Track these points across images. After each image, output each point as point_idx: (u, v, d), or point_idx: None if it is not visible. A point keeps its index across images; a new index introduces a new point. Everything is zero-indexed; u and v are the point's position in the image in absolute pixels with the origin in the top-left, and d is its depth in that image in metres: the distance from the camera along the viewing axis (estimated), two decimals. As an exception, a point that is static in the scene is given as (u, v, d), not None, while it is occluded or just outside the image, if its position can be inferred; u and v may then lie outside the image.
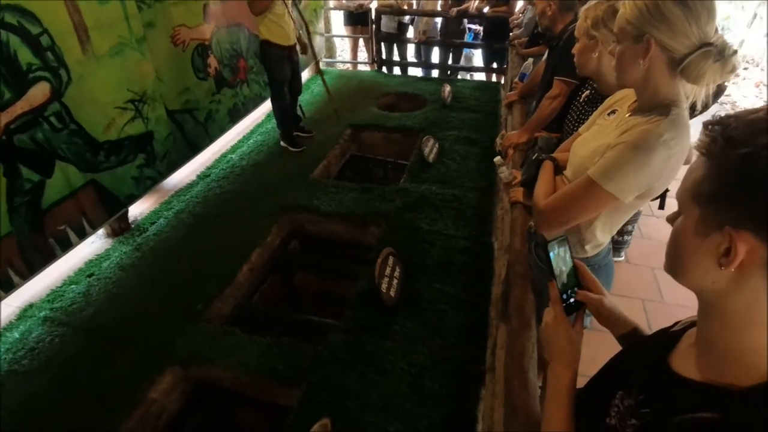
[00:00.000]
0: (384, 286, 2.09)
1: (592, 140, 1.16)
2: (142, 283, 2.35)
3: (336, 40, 5.91)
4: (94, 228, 2.41)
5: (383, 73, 5.47)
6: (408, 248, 2.45)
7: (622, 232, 2.61)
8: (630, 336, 0.88)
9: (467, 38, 5.48)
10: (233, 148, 3.62)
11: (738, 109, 0.53)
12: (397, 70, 5.79)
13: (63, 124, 2.11)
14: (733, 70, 0.87)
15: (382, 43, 5.50)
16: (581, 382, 0.84)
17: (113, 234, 2.66)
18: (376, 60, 5.54)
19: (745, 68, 6.66)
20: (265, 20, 3.07)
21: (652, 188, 1.03)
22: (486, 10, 5.08)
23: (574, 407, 0.73)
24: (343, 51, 6.86)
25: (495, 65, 5.40)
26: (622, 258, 2.87)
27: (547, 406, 0.77)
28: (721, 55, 0.87)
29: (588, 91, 1.59)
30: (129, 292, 2.29)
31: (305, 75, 4.88)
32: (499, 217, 2.49)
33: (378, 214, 2.77)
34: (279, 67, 3.26)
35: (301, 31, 3.41)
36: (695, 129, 0.77)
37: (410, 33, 5.61)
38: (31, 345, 2.01)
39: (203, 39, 3.02)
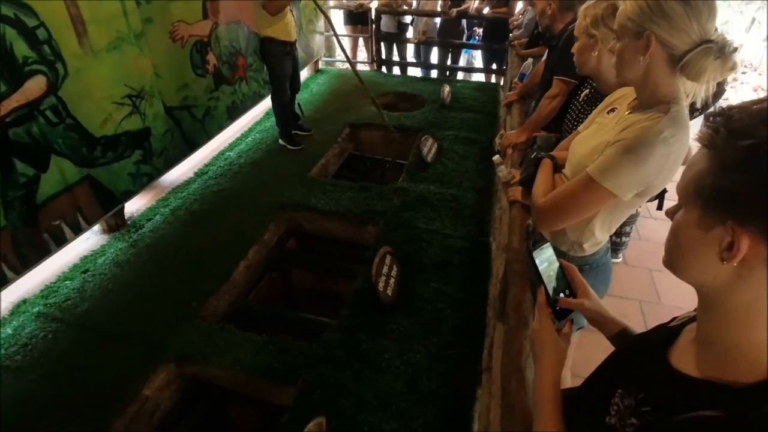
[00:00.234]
0: (381, 284, 2.08)
1: (592, 138, 1.16)
2: (137, 279, 2.33)
3: (335, 39, 5.89)
4: (90, 224, 2.39)
5: (382, 72, 5.47)
6: (405, 247, 2.44)
7: (620, 234, 2.61)
8: (620, 336, 0.88)
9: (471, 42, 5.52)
10: (231, 146, 3.61)
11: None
12: (396, 70, 5.78)
13: (59, 118, 2.09)
14: (734, 67, 0.87)
15: (382, 43, 5.49)
16: (578, 383, 0.84)
17: (109, 230, 2.64)
18: (375, 60, 5.54)
19: (743, 72, 6.68)
20: (267, 17, 3.08)
21: (651, 186, 1.02)
22: (486, 11, 5.08)
23: (561, 407, 0.75)
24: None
25: (494, 66, 5.40)
26: (620, 259, 2.86)
27: (535, 408, 0.79)
28: (722, 52, 0.86)
29: (587, 90, 1.58)
30: (124, 288, 2.28)
31: (304, 74, 4.87)
32: (497, 217, 2.48)
33: (375, 213, 2.76)
34: (280, 63, 3.27)
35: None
36: (695, 131, 0.76)
37: (410, 33, 5.61)
38: (24, 341, 1.99)
39: (202, 35, 3.01)
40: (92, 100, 2.25)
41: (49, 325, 2.07)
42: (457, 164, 3.30)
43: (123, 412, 1.74)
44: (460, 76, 5.89)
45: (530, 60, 3.05)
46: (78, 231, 2.33)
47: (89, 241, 2.58)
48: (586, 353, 1.54)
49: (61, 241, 2.25)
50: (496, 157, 1.83)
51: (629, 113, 1.07)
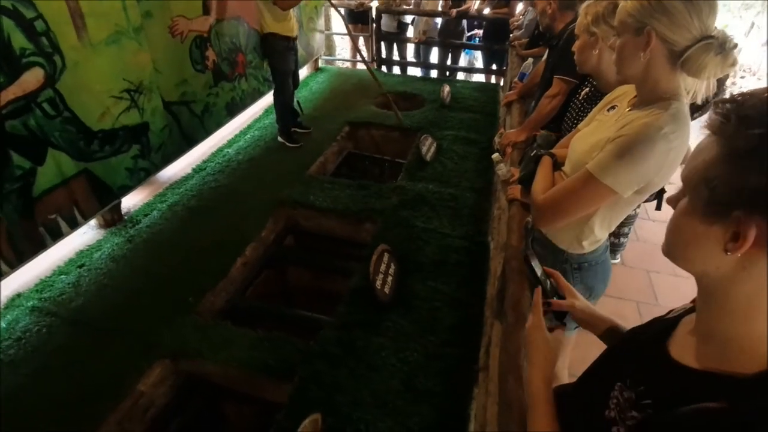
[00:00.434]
0: (378, 282, 2.08)
1: (591, 135, 1.15)
2: (133, 275, 2.32)
3: (336, 38, 5.89)
4: (86, 218, 2.37)
5: (382, 72, 5.46)
6: (403, 246, 2.44)
7: (618, 234, 2.61)
8: (610, 333, 0.89)
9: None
10: (230, 143, 3.59)
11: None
12: (396, 70, 5.78)
13: (56, 111, 2.08)
14: (734, 63, 0.86)
15: (382, 42, 5.49)
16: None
17: (106, 225, 2.63)
18: (375, 59, 5.53)
19: (742, 77, 6.70)
20: (271, 12, 3.10)
21: (652, 183, 1.01)
22: (487, 11, 5.09)
23: (554, 405, 0.76)
24: (343, 49, 6.84)
25: (494, 67, 5.40)
26: (618, 260, 2.86)
27: (528, 407, 0.80)
28: (722, 48, 0.86)
29: (587, 89, 1.58)
30: (120, 283, 2.26)
31: (303, 72, 4.87)
32: (496, 216, 2.48)
33: (374, 211, 2.75)
34: (283, 58, 3.28)
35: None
36: (695, 132, 0.76)
37: (410, 33, 5.61)
38: (18, 335, 1.97)
39: (202, 31, 3.00)
40: (90, 94, 2.23)
41: (43, 319, 2.05)
42: (456, 164, 3.30)
43: (117, 407, 1.72)
44: (460, 76, 5.89)
45: (530, 60, 3.05)
46: (74, 225, 2.31)
47: (85, 235, 2.56)
48: (582, 353, 1.54)
49: (57, 235, 2.23)
50: (495, 155, 1.82)
51: (629, 110, 1.07)
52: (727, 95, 0.51)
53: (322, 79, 4.94)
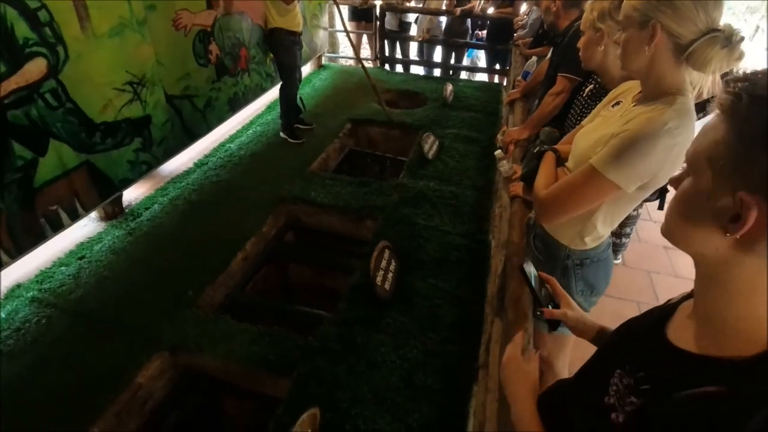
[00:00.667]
0: (379, 279, 2.07)
1: (595, 131, 1.14)
2: (133, 267, 2.32)
3: (340, 35, 5.88)
4: (87, 210, 2.37)
5: (385, 70, 5.45)
6: (403, 243, 2.43)
7: (619, 235, 2.60)
8: (601, 337, 0.90)
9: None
10: (232, 138, 3.59)
11: None
12: (399, 68, 5.77)
13: (59, 102, 2.08)
14: (741, 57, 0.86)
15: (386, 41, 5.48)
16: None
17: (106, 218, 2.62)
18: (378, 57, 5.52)
19: (745, 81, 6.68)
20: (276, 7, 3.12)
21: (656, 178, 1.01)
22: (491, 10, 5.07)
23: (536, 411, 0.77)
24: (346, 47, 6.82)
25: (498, 66, 5.39)
26: (619, 260, 2.86)
27: (513, 418, 0.82)
28: (729, 41, 0.85)
29: (591, 86, 1.57)
30: (120, 276, 2.26)
31: (306, 69, 4.86)
32: (497, 215, 2.47)
33: (374, 208, 2.75)
34: (290, 52, 3.30)
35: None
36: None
37: (412, 32, 5.60)
38: (17, 325, 1.97)
39: (205, 25, 2.99)
40: (93, 85, 2.23)
41: (43, 310, 2.05)
42: (457, 162, 3.29)
43: (115, 399, 1.72)
44: (463, 75, 5.88)
45: (534, 58, 3.05)
46: (75, 217, 2.31)
47: (86, 228, 2.56)
48: (581, 353, 1.53)
49: (58, 227, 2.23)
50: (498, 152, 1.81)
51: (634, 106, 1.06)
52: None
53: (325, 77, 4.93)
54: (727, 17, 0.90)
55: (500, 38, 4.94)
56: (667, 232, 0.57)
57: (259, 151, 3.44)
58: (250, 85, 3.65)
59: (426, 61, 5.64)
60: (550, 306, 0.95)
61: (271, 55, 3.60)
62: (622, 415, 0.54)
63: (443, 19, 5.29)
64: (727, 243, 0.48)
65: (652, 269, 2.85)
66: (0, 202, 1.91)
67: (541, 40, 3.23)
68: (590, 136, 1.14)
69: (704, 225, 0.50)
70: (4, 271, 2.05)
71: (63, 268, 2.28)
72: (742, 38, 0.85)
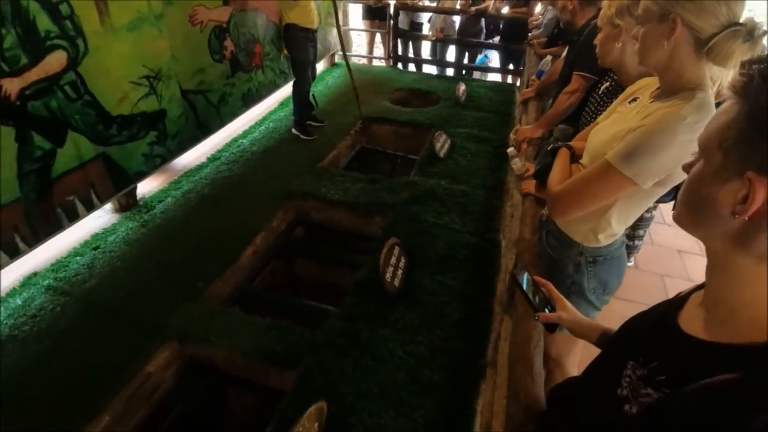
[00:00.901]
0: (388, 275, 2.07)
1: (611, 127, 1.13)
2: (145, 259, 2.35)
3: (353, 34, 5.90)
4: (102, 201, 2.41)
5: (398, 69, 5.45)
6: (412, 240, 2.43)
7: (633, 237, 2.56)
8: (603, 338, 0.89)
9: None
10: (244, 134, 3.62)
11: None
12: (412, 67, 5.77)
13: (77, 94, 2.12)
14: (763, 51, 0.84)
15: (399, 40, 5.48)
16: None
17: (121, 209, 2.66)
18: (392, 56, 5.52)
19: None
20: (292, 4, 3.14)
21: (672, 175, 0.99)
22: (505, 10, 5.04)
23: None
24: (360, 46, 6.85)
25: (511, 66, 5.36)
26: (632, 263, 2.81)
27: None
28: (751, 35, 0.84)
29: (608, 83, 1.55)
30: (132, 267, 2.29)
31: (319, 67, 4.88)
32: (508, 214, 2.45)
33: (384, 205, 2.75)
34: (303, 48, 3.33)
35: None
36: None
37: (424, 31, 5.59)
38: (33, 312, 2.01)
39: (221, 21, 3.03)
40: (110, 79, 2.27)
41: (57, 298, 2.09)
42: (468, 161, 3.28)
43: (124, 387, 1.75)
44: (476, 75, 5.86)
45: (549, 57, 3.02)
46: (90, 208, 2.35)
47: (101, 219, 2.60)
48: (592, 353, 1.52)
49: (74, 217, 2.27)
50: (510, 150, 1.80)
51: (652, 102, 1.05)
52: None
53: (338, 74, 4.95)
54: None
55: (514, 38, 4.91)
56: (679, 217, 0.58)
57: (271, 146, 3.46)
58: (264, 81, 3.68)
59: (439, 60, 5.62)
60: (546, 310, 0.97)
61: (285, 51, 3.62)
62: (636, 406, 0.54)
63: (457, 19, 5.27)
64: (736, 226, 0.49)
65: (665, 273, 2.81)
66: (19, 190, 1.95)
67: (556, 39, 3.20)
68: (606, 132, 1.13)
69: (714, 207, 0.51)
70: (21, 259, 2.09)
71: (78, 257, 2.32)
72: (765, 32, 0.83)
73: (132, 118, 2.46)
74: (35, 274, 2.21)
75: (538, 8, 4.83)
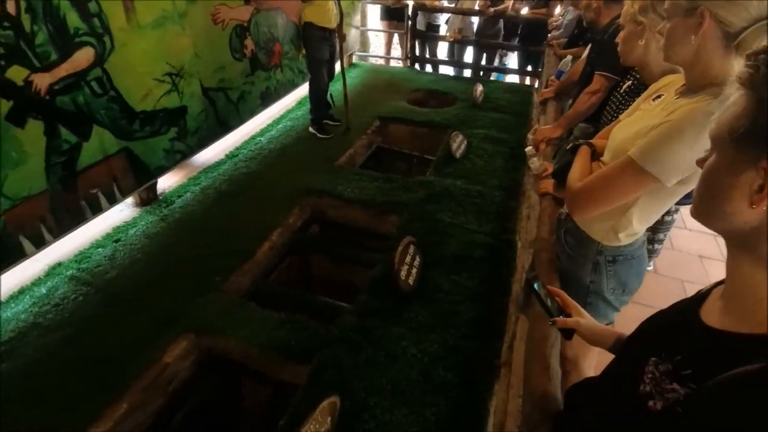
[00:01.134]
0: (403, 273, 2.07)
1: (635, 124, 1.11)
2: (164, 252, 2.40)
3: (370, 35, 5.92)
4: (124, 195, 2.47)
5: (415, 69, 5.45)
6: (427, 239, 2.42)
7: (652, 240, 2.50)
8: (618, 344, 0.88)
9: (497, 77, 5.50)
10: (262, 132, 3.67)
11: None
12: (429, 68, 5.76)
13: (103, 90, 2.18)
14: None
15: (417, 40, 5.48)
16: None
17: (141, 203, 2.72)
18: (409, 56, 5.53)
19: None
20: (311, 3, 3.17)
21: (697, 173, 0.96)
22: (525, 11, 5.00)
23: None
24: (377, 46, 6.87)
25: (530, 68, 5.30)
26: (651, 268, 2.75)
27: None
28: None
29: (630, 82, 1.53)
30: (151, 259, 2.34)
31: (337, 67, 4.90)
32: (525, 215, 2.43)
33: (399, 204, 2.75)
34: (318, 47, 3.36)
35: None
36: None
37: (441, 32, 5.58)
38: (57, 301, 2.07)
39: (242, 20, 3.08)
40: (134, 75, 2.33)
41: (80, 288, 2.15)
42: (485, 162, 3.25)
43: (142, 376, 1.78)
44: (493, 77, 5.82)
45: (569, 57, 2.98)
46: (113, 201, 2.41)
47: (122, 212, 2.67)
48: (608, 356, 1.50)
49: (97, 210, 2.33)
50: (528, 149, 1.79)
51: (677, 98, 1.02)
52: None
53: (355, 74, 4.97)
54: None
55: (533, 40, 4.86)
56: (696, 211, 0.57)
57: (288, 144, 3.50)
58: (282, 80, 3.73)
59: (456, 61, 5.60)
60: (561, 316, 0.96)
61: (303, 50, 3.66)
62: (661, 402, 0.53)
63: (475, 20, 5.25)
64: (754, 216, 0.49)
65: (685, 278, 2.74)
66: (46, 182, 2.01)
67: (577, 40, 3.16)
68: (629, 129, 1.11)
69: (731, 199, 0.51)
70: (47, 249, 2.16)
71: (100, 249, 2.38)
72: (797, 26, 0.81)
73: (154, 114, 2.51)
74: (59, 264, 2.27)
75: (558, 9, 4.78)
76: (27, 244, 2.00)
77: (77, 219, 2.24)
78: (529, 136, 2.38)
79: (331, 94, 3.88)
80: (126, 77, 2.28)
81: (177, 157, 2.76)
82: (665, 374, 0.54)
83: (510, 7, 4.92)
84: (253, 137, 3.57)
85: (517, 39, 5.20)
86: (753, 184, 0.48)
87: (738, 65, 0.90)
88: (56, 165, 2.05)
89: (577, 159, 1.22)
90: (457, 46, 5.47)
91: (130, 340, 1.90)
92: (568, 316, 0.96)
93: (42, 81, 1.90)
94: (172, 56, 2.53)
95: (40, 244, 2.07)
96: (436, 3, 5.32)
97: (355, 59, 5.38)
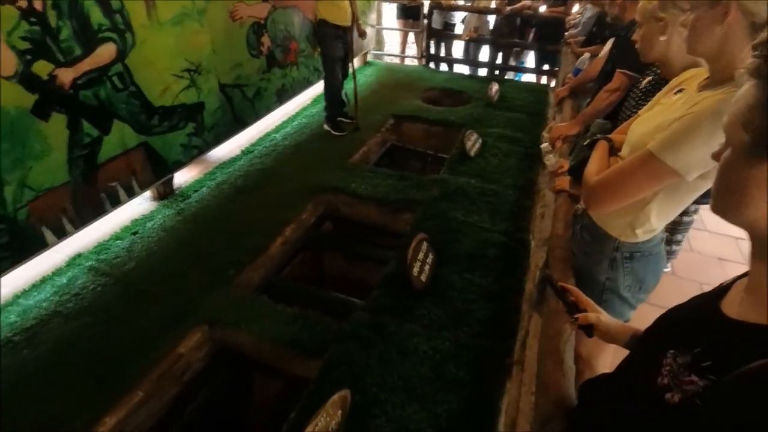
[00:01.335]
0: (416, 270, 2.06)
1: (655, 118, 1.08)
2: (180, 245, 2.44)
3: (386, 33, 5.93)
4: (142, 188, 2.52)
5: (430, 68, 5.44)
6: (440, 237, 2.41)
7: (670, 241, 2.45)
8: (634, 340, 0.87)
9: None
10: (277, 128, 3.70)
11: None
12: (444, 67, 5.74)
13: (124, 84, 2.22)
14: None
15: (432, 39, 5.47)
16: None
17: (158, 197, 2.77)
18: (424, 55, 5.51)
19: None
20: (325, 1, 3.19)
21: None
22: (543, 9, 4.95)
23: None
24: (393, 45, 6.88)
25: (546, 67, 5.24)
26: (669, 269, 2.70)
27: None
28: None
29: (650, 78, 1.50)
30: (168, 252, 2.38)
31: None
32: (539, 215, 2.40)
33: (413, 202, 2.74)
34: (332, 44, 3.37)
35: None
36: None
37: (457, 31, 5.55)
38: (76, 291, 2.12)
39: (260, 17, 3.11)
40: (154, 71, 2.37)
41: (99, 278, 2.20)
42: (500, 161, 3.23)
43: (156, 366, 1.81)
44: (509, 76, 5.77)
45: (587, 55, 2.94)
46: (131, 194, 2.46)
47: (140, 206, 2.72)
48: (623, 353, 1.47)
49: (116, 203, 2.38)
50: (544, 145, 1.77)
51: (700, 92, 1.00)
52: None
53: (370, 73, 4.99)
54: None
55: (551, 38, 4.80)
56: (716, 206, 0.56)
57: (303, 141, 3.53)
58: (298, 77, 3.76)
59: (471, 60, 5.57)
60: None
61: (319, 48, 3.68)
62: (679, 394, 0.52)
63: (491, 19, 5.21)
64: None
65: (703, 281, 2.68)
66: (68, 174, 2.06)
67: (594, 38, 3.11)
68: (648, 123, 1.09)
69: (750, 192, 0.50)
70: (67, 240, 2.22)
71: (118, 241, 2.43)
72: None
73: (173, 110, 2.56)
74: (79, 255, 2.33)
75: (576, 8, 4.71)
76: (49, 235, 2.06)
77: (97, 211, 2.29)
78: (544, 134, 2.35)
79: (346, 93, 3.90)
80: (146, 73, 2.32)
81: (194, 152, 2.81)
82: (684, 366, 0.53)
83: (526, 5, 4.86)
84: (268, 134, 3.60)
85: (531, 36, 5.15)
86: None
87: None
88: (78, 158, 2.10)
89: (595, 153, 1.20)
90: (472, 44, 5.44)
91: (146, 330, 1.93)
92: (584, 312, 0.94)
93: (66, 76, 1.95)
94: (191, 53, 2.58)
95: (61, 234, 2.13)
96: (452, 1, 5.31)
97: (370, 57, 5.40)
